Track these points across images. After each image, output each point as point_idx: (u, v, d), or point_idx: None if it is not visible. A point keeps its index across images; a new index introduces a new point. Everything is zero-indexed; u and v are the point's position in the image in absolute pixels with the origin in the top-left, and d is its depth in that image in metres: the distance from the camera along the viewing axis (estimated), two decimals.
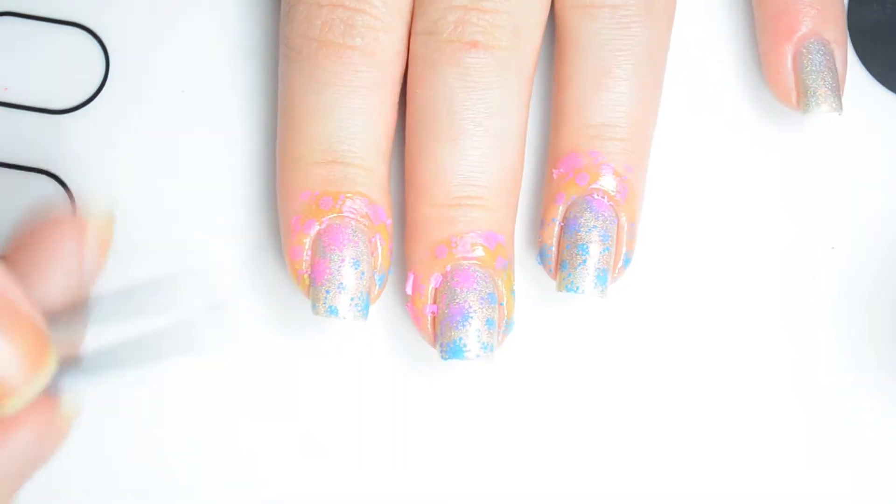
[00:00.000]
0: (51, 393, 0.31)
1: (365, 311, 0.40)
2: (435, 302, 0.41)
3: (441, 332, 0.40)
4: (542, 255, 0.42)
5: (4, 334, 0.28)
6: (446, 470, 0.44)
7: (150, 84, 0.45)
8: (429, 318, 0.41)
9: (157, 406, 0.43)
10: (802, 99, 0.43)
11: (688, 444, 0.44)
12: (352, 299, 0.40)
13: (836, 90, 0.43)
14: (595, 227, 0.41)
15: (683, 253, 0.45)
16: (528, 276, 0.44)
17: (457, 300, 0.40)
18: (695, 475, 0.44)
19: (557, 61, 0.43)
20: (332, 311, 0.40)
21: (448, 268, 0.40)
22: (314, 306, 0.40)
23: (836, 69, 0.43)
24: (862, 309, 0.45)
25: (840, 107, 0.43)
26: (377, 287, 0.41)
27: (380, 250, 0.41)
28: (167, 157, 0.45)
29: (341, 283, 0.40)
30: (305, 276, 0.40)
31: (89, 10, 0.45)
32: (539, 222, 0.42)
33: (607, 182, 0.41)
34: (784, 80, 0.43)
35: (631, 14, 0.41)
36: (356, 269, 0.40)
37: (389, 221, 0.41)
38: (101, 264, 0.34)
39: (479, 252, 0.40)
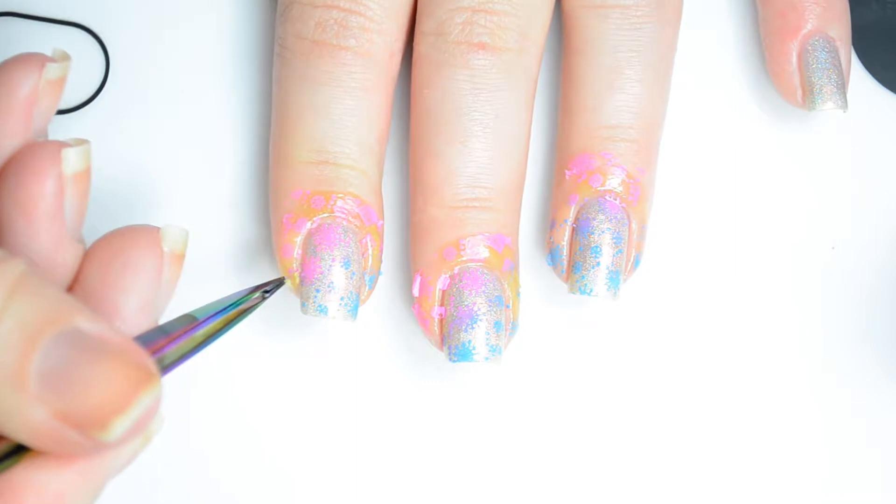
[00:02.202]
0: None
1: (354, 311, 0.40)
2: (442, 304, 0.41)
3: (449, 334, 0.40)
4: (552, 257, 0.42)
5: (98, 362, 0.28)
6: (453, 472, 0.44)
7: (150, 84, 0.45)
8: (436, 320, 0.41)
9: None
10: (808, 96, 0.43)
11: (689, 442, 0.44)
12: (341, 299, 0.40)
13: (842, 88, 0.43)
14: (608, 229, 0.41)
15: (683, 253, 0.45)
16: (531, 276, 0.44)
17: (465, 303, 0.40)
18: (697, 474, 0.44)
19: (566, 61, 0.43)
20: (322, 310, 0.40)
21: (456, 270, 0.40)
22: (304, 305, 0.40)
23: (841, 67, 0.43)
24: (862, 309, 0.45)
25: (845, 104, 0.43)
26: (367, 288, 0.41)
27: (370, 251, 0.41)
28: (167, 156, 0.44)
29: (331, 283, 0.40)
30: (295, 274, 0.40)
31: (89, 10, 0.45)
32: (548, 223, 0.42)
33: (620, 184, 0.41)
34: (789, 78, 0.43)
35: (642, 14, 0.41)
36: (346, 269, 0.40)
37: (381, 223, 0.41)
38: (177, 279, 0.34)
39: (487, 254, 0.40)
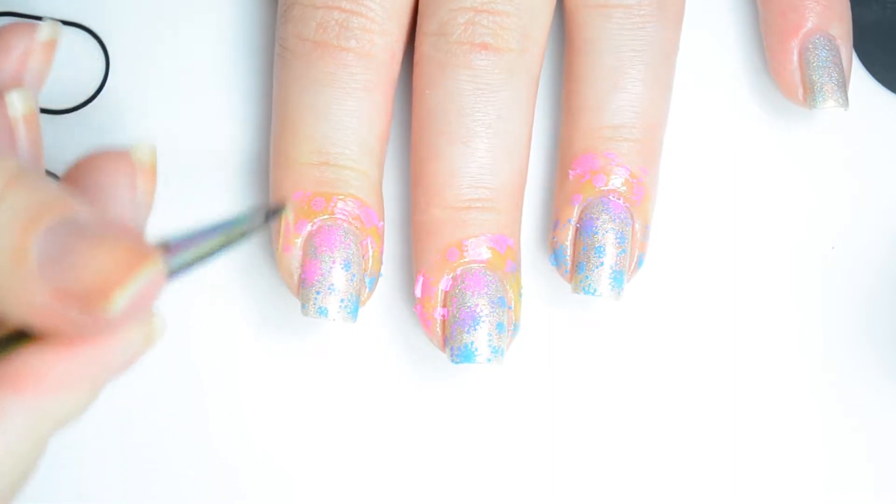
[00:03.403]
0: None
1: (354, 313, 0.40)
2: (445, 305, 0.40)
3: (451, 335, 0.40)
4: (556, 257, 0.42)
5: (98, 244, 0.28)
6: (454, 473, 0.44)
7: (150, 84, 0.45)
8: (438, 321, 0.41)
9: (152, 408, 0.43)
10: (809, 95, 0.43)
11: (690, 441, 0.44)
12: (342, 301, 0.40)
13: (843, 86, 0.43)
14: (612, 228, 0.41)
15: (684, 252, 0.45)
16: (533, 277, 0.44)
17: (467, 304, 0.40)
18: (698, 474, 0.44)
19: (569, 61, 0.43)
20: (322, 312, 0.40)
21: (458, 271, 0.40)
22: (304, 307, 0.40)
23: (841, 65, 0.43)
24: (862, 309, 0.45)
25: (846, 102, 0.43)
26: (367, 290, 0.41)
27: (371, 253, 0.41)
28: (167, 156, 0.44)
29: (331, 285, 0.40)
30: (296, 276, 0.40)
31: (89, 10, 0.45)
32: (551, 223, 0.42)
33: (623, 183, 0.41)
34: (790, 76, 0.44)
35: (645, 14, 0.41)
36: (347, 270, 0.40)
37: (381, 224, 0.41)
38: (152, 193, 0.33)
39: (489, 255, 0.40)
